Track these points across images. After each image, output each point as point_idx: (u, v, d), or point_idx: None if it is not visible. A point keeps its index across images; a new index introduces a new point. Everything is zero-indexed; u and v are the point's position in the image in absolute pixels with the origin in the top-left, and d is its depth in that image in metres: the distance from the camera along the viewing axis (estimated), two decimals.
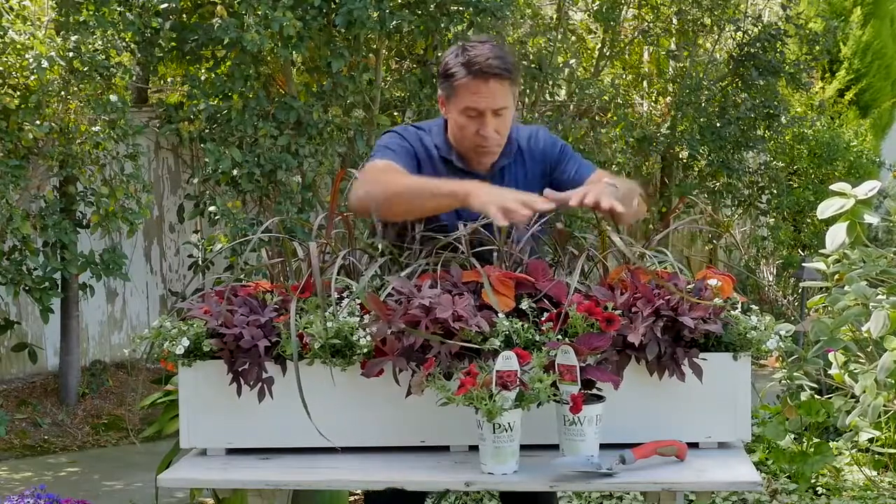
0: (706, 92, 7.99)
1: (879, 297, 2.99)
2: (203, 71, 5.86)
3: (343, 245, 2.42)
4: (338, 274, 2.25)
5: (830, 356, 3.47)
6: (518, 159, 2.60)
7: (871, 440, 4.41)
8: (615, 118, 7.68)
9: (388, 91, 6.25)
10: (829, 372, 3.56)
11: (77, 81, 5.22)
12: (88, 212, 5.59)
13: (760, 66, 7.74)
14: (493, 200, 2.17)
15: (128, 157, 5.53)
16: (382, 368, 2.16)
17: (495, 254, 2.37)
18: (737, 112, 7.79)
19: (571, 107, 7.76)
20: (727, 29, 8.22)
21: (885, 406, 3.16)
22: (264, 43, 5.17)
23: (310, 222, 3.44)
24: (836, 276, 3.18)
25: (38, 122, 5.08)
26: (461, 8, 5.83)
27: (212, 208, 5.51)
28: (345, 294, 2.25)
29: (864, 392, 3.11)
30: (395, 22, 5.50)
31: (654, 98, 8.69)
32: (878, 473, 4.37)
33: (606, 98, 7.69)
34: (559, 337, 2.14)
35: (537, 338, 2.15)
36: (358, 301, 2.20)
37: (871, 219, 2.99)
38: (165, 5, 5.51)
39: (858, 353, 3.33)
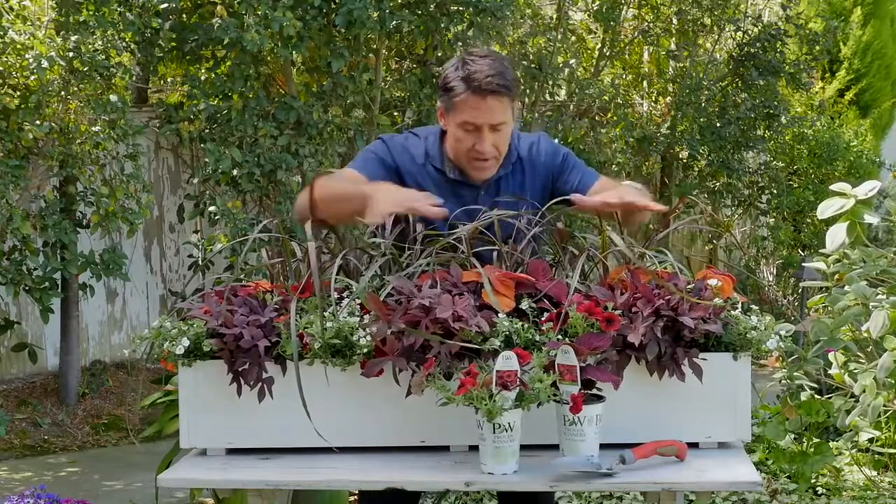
0: (706, 92, 7.99)
1: (879, 297, 2.99)
2: (203, 71, 5.86)
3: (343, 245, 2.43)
4: (337, 274, 2.25)
5: (830, 356, 3.46)
6: (517, 169, 2.60)
7: (871, 440, 4.41)
8: (615, 118, 7.69)
9: (388, 91, 6.25)
10: (829, 372, 3.56)
11: (77, 81, 5.22)
12: (88, 212, 5.59)
13: (760, 66, 7.74)
14: (378, 205, 2.21)
15: (128, 157, 5.53)
16: (382, 368, 2.16)
17: (495, 254, 2.37)
18: (737, 112, 7.79)
19: (571, 107, 7.76)
20: (727, 29, 8.22)
21: (884, 406, 3.16)
22: (264, 43, 5.17)
23: None
24: (836, 276, 3.18)
25: (38, 122, 5.08)
26: (461, 8, 5.83)
27: (212, 208, 5.52)
28: (345, 294, 2.26)
29: (864, 392, 3.11)
30: (395, 22, 5.50)
31: (654, 98, 8.69)
32: (878, 473, 4.37)
33: (606, 98, 7.69)
34: (559, 337, 2.14)
35: (537, 338, 2.15)
36: (358, 301, 2.20)
37: (871, 219, 2.99)
38: (165, 5, 5.51)
39: (858, 353, 3.33)
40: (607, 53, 8.09)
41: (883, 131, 9.83)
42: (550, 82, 7.28)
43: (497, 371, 2.01)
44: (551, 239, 2.51)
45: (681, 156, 8.28)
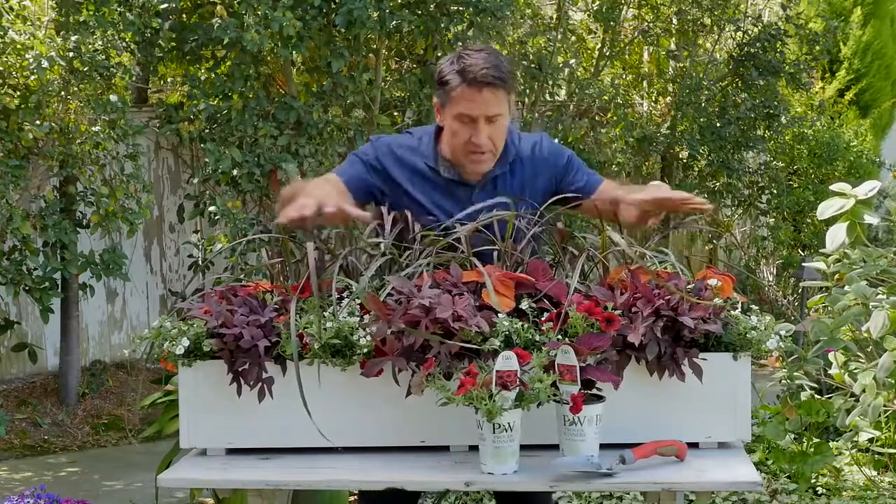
0: (706, 92, 7.99)
1: (879, 297, 3.00)
2: (203, 71, 5.86)
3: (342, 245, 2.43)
4: (337, 274, 2.25)
5: (830, 356, 3.46)
6: (516, 168, 2.59)
7: (871, 440, 4.40)
8: (615, 118, 7.68)
9: (388, 91, 6.25)
10: (829, 372, 3.56)
11: (77, 81, 5.22)
12: (88, 212, 5.59)
13: (760, 66, 7.74)
14: (286, 211, 2.26)
15: (128, 157, 5.53)
16: (382, 368, 2.16)
17: (495, 254, 2.37)
18: (737, 112, 7.79)
19: (571, 107, 7.76)
20: (727, 29, 8.22)
21: (885, 406, 3.16)
22: (264, 43, 5.17)
23: None
24: (836, 276, 3.18)
25: (38, 122, 5.08)
26: (461, 8, 5.83)
27: (212, 208, 5.51)
28: (345, 294, 2.25)
29: (864, 392, 3.11)
30: (395, 22, 5.50)
31: (654, 98, 8.69)
32: (878, 473, 4.37)
33: (606, 98, 7.69)
34: (559, 337, 2.14)
35: (537, 338, 2.15)
36: (358, 301, 2.20)
37: (871, 219, 2.99)
38: (165, 5, 5.51)
39: (858, 353, 3.33)
40: (607, 53, 8.09)
41: (883, 131, 9.83)
42: (550, 82, 7.28)
43: (497, 371, 2.01)
44: (551, 239, 2.52)
45: (681, 156, 8.27)
